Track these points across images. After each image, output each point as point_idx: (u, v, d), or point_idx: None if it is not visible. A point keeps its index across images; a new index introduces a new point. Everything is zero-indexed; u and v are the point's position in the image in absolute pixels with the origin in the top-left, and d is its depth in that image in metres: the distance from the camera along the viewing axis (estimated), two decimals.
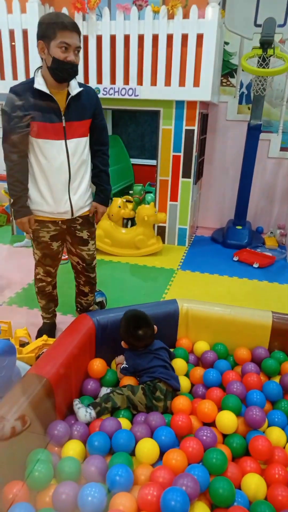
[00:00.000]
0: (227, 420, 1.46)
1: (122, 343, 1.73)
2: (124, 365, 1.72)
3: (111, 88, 3.66)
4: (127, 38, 3.53)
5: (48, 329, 2.31)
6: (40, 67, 1.70)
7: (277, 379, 1.76)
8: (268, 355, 1.86)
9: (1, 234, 4.26)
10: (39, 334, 2.25)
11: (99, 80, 3.73)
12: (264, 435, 1.43)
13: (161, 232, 4.09)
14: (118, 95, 3.67)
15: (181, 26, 3.34)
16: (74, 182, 1.84)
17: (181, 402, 1.56)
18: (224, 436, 1.49)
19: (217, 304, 1.98)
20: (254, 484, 1.23)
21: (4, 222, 4.54)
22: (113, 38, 3.56)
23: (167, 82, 3.56)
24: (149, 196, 4.60)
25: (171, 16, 3.35)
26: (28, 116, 1.65)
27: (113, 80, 3.69)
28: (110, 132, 5.67)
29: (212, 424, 1.52)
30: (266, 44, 3.50)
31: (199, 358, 1.92)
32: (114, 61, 3.64)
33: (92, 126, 1.85)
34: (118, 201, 3.90)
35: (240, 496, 1.19)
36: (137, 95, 3.62)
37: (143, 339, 1.67)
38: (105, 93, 3.69)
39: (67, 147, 1.75)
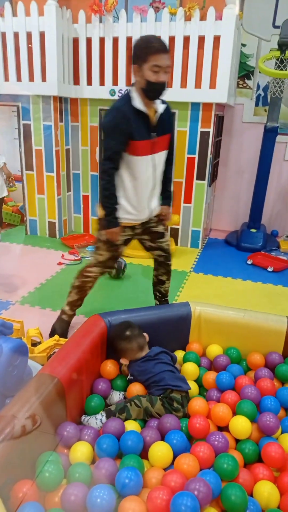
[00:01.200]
0: (241, 425, 1.44)
1: (121, 359, 1.71)
2: (129, 377, 1.71)
3: (127, 89, 3.66)
4: None
5: (65, 327, 2.32)
6: (133, 85, 1.83)
7: None
8: (282, 361, 1.83)
9: (15, 234, 4.30)
10: (52, 333, 2.26)
11: (115, 82, 3.74)
12: (277, 442, 1.40)
13: (174, 234, 4.07)
14: None
15: (198, 27, 3.32)
16: (154, 190, 2.04)
17: (197, 404, 1.55)
18: (237, 441, 1.46)
19: (231, 308, 1.95)
20: (266, 492, 1.21)
21: (18, 222, 4.59)
22: (129, 40, 3.57)
23: (183, 84, 3.55)
24: None
25: (188, 18, 3.34)
26: (131, 134, 1.79)
27: (128, 82, 3.70)
28: None
29: (225, 428, 1.50)
30: (284, 45, 3.46)
31: (212, 362, 1.89)
32: (130, 63, 3.64)
33: (170, 140, 2.04)
34: None
35: (252, 503, 1.17)
36: None
37: (133, 338, 1.67)
38: (120, 94, 3.70)
39: (154, 160, 1.93)
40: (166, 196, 2.19)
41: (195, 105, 3.59)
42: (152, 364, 1.64)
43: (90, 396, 1.61)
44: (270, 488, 1.22)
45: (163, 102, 1.91)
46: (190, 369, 1.78)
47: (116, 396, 1.66)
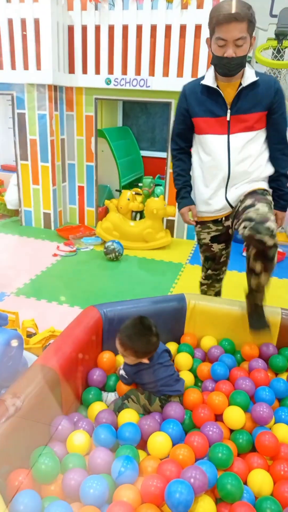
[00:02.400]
0: (235, 415, 1.45)
1: (126, 359, 1.51)
2: (121, 373, 1.60)
3: (123, 78, 3.63)
4: (139, 28, 3.49)
5: None
6: None
7: (284, 376, 1.74)
8: (276, 352, 1.84)
9: (10, 225, 4.28)
10: None
11: (111, 71, 3.70)
12: (270, 431, 1.42)
13: (170, 225, 4.07)
14: (130, 85, 3.64)
15: (195, 16, 3.28)
16: (235, 180, 1.70)
17: (191, 395, 1.57)
18: (231, 431, 1.48)
19: (225, 300, 1.96)
20: (260, 480, 1.22)
21: (13, 213, 4.55)
22: (125, 28, 3.52)
23: (180, 73, 3.51)
24: (158, 189, 4.57)
25: (184, 6, 3.29)
26: (192, 112, 1.69)
27: (124, 71, 3.66)
28: (120, 123, 5.63)
29: (220, 417, 1.52)
30: (281, 35, 3.44)
31: (206, 354, 1.91)
32: (126, 51, 3.60)
33: (268, 121, 1.65)
34: (127, 194, 3.88)
35: (246, 491, 1.19)
36: (149, 86, 3.58)
37: (153, 342, 1.46)
38: (116, 83, 3.66)
39: (229, 142, 1.65)
40: (275, 197, 1.76)
41: None
42: (150, 371, 1.50)
43: (88, 389, 1.62)
44: (264, 476, 1.23)
45: (260, 76, 1.61)
46: (184, 360, 1.79)
47: (112, 396, 1.63)
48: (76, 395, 1.58)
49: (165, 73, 3.55)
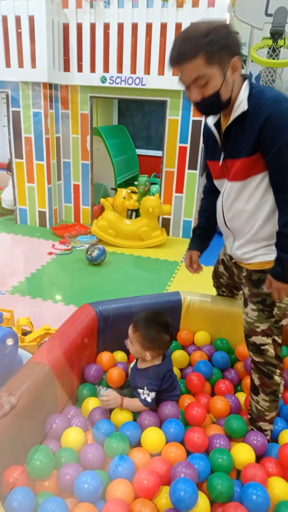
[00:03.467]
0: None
1: (148, 353, 1.43)
2: (145, 396, 1.44)
3: (118, 77, 3.63)
4: (134, 27, 3.49)
5: None
6: None
7: None
8: None
9: (5, 223, 4.26)
10: None
11: (106, 69, 3.69)
12: None
13: (165, 224, 4.07)
14: (125, 84, 3.63)
15: (190, 14, 3.28)
16: (233, 230, 1.38)
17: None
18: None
19: (221, 298, 1.97)
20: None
21: (9, 211, 4.53)
22: (120, 26, 3.51)
23: (175, 72, 3.50)
24: (154, 188, 4.57)
25: (180, 5, 3.29)
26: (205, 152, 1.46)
27: (120, 69, 3.65)
28: (116, 121, 5.63)
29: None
30: (276, 34, 3.44)
31: (199, 348, 1.93)
32: (121, 50, 3.59)
33: (266, 163, 1.20)
34: (122, 192, 3.88)
35: (241, 490, 1.20)
36: (144, 84, 3.58)
37: (170, 338, 1.46)
38: (111, 82, 3.66)
39: (224, 189, 1.35)
40: (277, 259, 1.28)
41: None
42: (168, 375, 1.50)
43: (83, 385, 1.62)
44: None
45: (252, 103, 1.17)
46: (178, 356, 1.83)
47: (105, 391, 1.62)
48: (71, 392, 1.59)
49: (161, 72, 3.55)
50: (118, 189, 3.98)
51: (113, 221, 3.72)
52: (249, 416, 1.48)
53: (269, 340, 1.35)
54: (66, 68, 3.82)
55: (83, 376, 1.68)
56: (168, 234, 4.05)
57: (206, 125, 1.37)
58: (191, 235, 1.67)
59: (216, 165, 1.34)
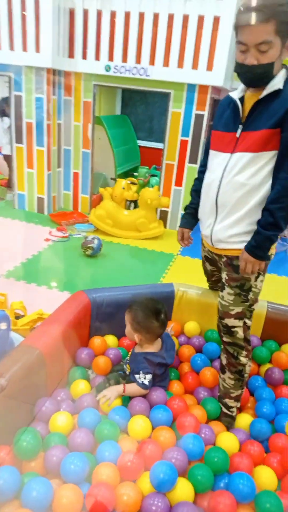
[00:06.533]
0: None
1: (136, 336, 1.51)
2: (142, 380, 1.47)
3: (122, 66, 3.60)
4: (141, 16, 3.46)
5: None
6: None
7: (267, 367, 1.79)
8: (260, 344, 1.88)
9: (3, 208, 4.25)
10: None
11: (111, 57, 3.66)
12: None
13: (163, 216, 4.07)
14: (129, 74, 3.61)
15: (198, 7, 3.25)
16: (223, 207, 1.38)
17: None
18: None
19: (213, 291, 1.98)
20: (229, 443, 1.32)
21: (5, 195, 4.52)
22: (127, 15, 3.48)
23: (180, 64, 3.49)
24: (153, 180, 4.57)
25: None
26: (213, 124, 1.47)
27: (125, 58, 3.62)
28: (119, 111, 5.60)
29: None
30: None
31: (189, 338, 1.95)
32: (127, 39, 3.56)
33: (281, 141, 1.26)
34: (122, 183, 3.88)
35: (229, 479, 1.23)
36: (148, 75, 3.56)
37: (162, 323, 1.52)
38: (115, 71, 3.64)
39: (228, 161, 1.35)
40: (255, 232, 1.33)
41: (191, 87, 3.55)
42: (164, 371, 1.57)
43: (74, 368, 1.65)
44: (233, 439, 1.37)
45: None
46: None
47: (94, 375, 1.67)
48: (62, 375, 1.60)
49: (166, 63, 3.53)
50: (117, 179, 3.98)
51: (111, 211, 3.72)
52: (218, 394, 1.58)
53: (240, 323, 1.44)
54: (71, 54, 3.78)
55: (75, 359, 1.70)
56: (165, 227, 4.05)
57: (228, 96, 1.41)
58: (184, 211, 1.71)
59: (227, 137, 1.37)
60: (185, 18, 3.34)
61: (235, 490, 1.16)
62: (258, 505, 1.15)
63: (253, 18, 1.14)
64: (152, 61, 3.56)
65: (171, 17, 3.37)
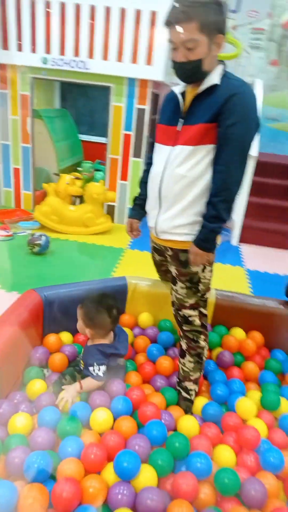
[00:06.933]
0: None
1: (88, 330, 1.53)
2: (96, 372, 1.48)
3: (60, 59, 3.52)
4: (78, 8, 3.40)
5: None
6: None
7: (218, 351, 1.88)
8: (211, 329, 1.97)
9: None
10: None
11: (48, 50, 3.57)
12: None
13: (110, 211, 4.07)
14: (68, 67, 3.55)
15: (135, 1, 3.27)
16: (165, 199, 1.43)
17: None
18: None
19: (164, 282, 2.03)
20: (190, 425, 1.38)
21: None
22: (63, 6, 3.41)
23: (119, 58, 3.49)
24: (98, 174, 4.54)
25: None
26: (158, 118, 1.51)
27: (62, 51, 3.55)
28: (57, 105, 5.47)
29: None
30: None
31: (144, 329, 1.99)
32: (64, 30, 3.49)
33: (218, 135, 1.31)
34: (65, 178, 3.81)
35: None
36: (88, 69, 3.52)
37: (114, 318, 1.55)
38: (53, 64, 3.55)
39: (170, 155, 1.39)
40: (202, 226, 1.38)
41: (131, 81, 3.56)
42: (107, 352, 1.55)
43: (29, 368, 1.62)
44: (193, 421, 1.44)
45: (226, 80, 1.31)
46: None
47: (49, 373, 1.66)
48: (17, 376, 1.57)
49: (105, 57, 3.51)
50: (61, 174, 3.90)
51: (57, 207, 3.64)
52: (176, 380, 1.64)
53: (195, 313, 1.52)
54: (4, 45, 3.63)
55: (30, 359, 1.67)
56: (113, 221, 4.06)
57: (171, 92, 1.46)
58: (131, 204, 1.73)
59: (170, 130, 1.41)
60: (123, 12, 3.34)
61: (194, 469, 1.22)
62: (217, 481, 1.21)
63: (177, 18, 1.21)
64: (91, 55, 3.52)
65: (108, 10, 3.35)
